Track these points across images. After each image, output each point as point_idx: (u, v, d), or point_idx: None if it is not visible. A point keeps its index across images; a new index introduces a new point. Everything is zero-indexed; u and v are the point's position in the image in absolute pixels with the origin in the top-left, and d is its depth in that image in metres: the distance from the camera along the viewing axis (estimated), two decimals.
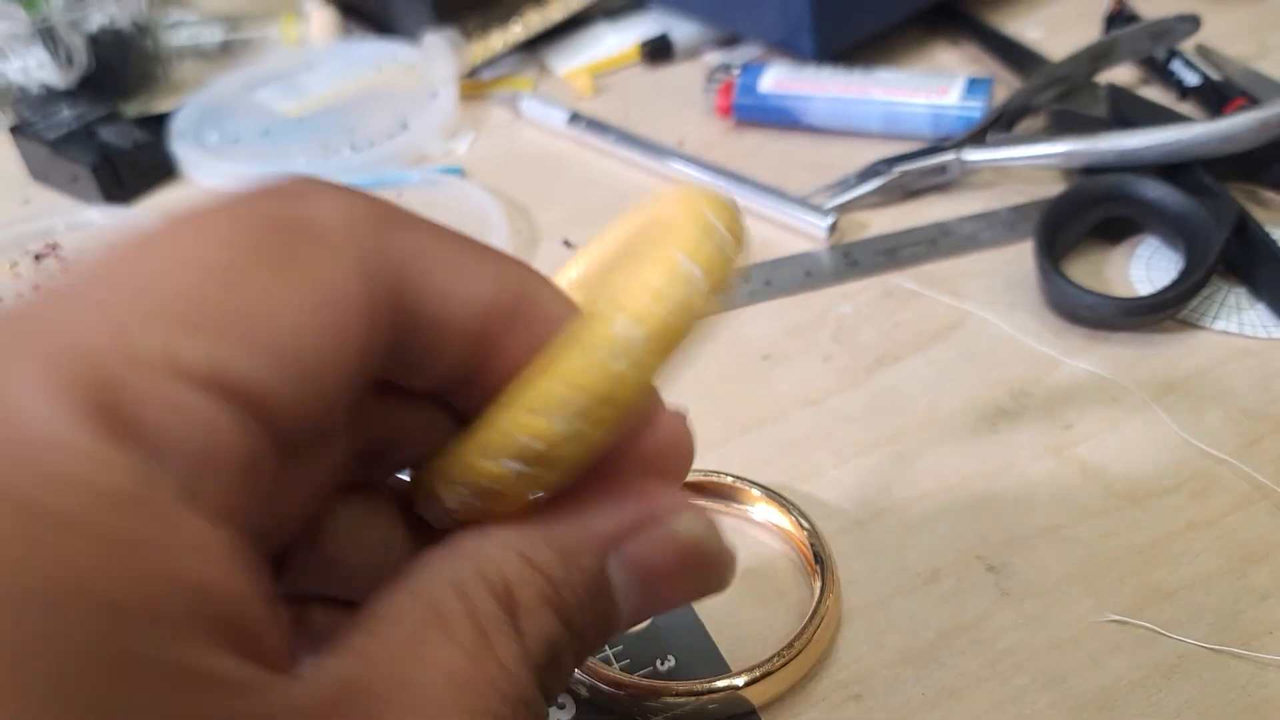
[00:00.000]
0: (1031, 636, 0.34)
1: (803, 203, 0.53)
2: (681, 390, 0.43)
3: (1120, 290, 0.47)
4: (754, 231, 0.54)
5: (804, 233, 0.52)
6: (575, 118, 0.62)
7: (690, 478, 0.39)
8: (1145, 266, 0.47)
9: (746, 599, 0.37)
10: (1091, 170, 0.49)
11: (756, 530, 0.39)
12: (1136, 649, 0.33)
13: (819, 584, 0.35)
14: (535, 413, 0.18)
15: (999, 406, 0.42)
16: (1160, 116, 0.51)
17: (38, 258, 0.58)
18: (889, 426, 0.42)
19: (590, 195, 0.59)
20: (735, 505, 0.39)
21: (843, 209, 0.53)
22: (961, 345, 0.45)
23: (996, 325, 0.46)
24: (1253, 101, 0.53)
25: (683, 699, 0.32)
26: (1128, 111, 0.52)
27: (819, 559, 0.36)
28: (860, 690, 0.34)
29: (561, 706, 0.35)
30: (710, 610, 0.36)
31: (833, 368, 0.45)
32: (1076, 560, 0.36)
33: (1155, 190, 0.46)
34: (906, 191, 0.54)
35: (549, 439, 0.18)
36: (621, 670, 0.34)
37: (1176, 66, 0.57)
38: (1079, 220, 0.48)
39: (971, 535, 0.38)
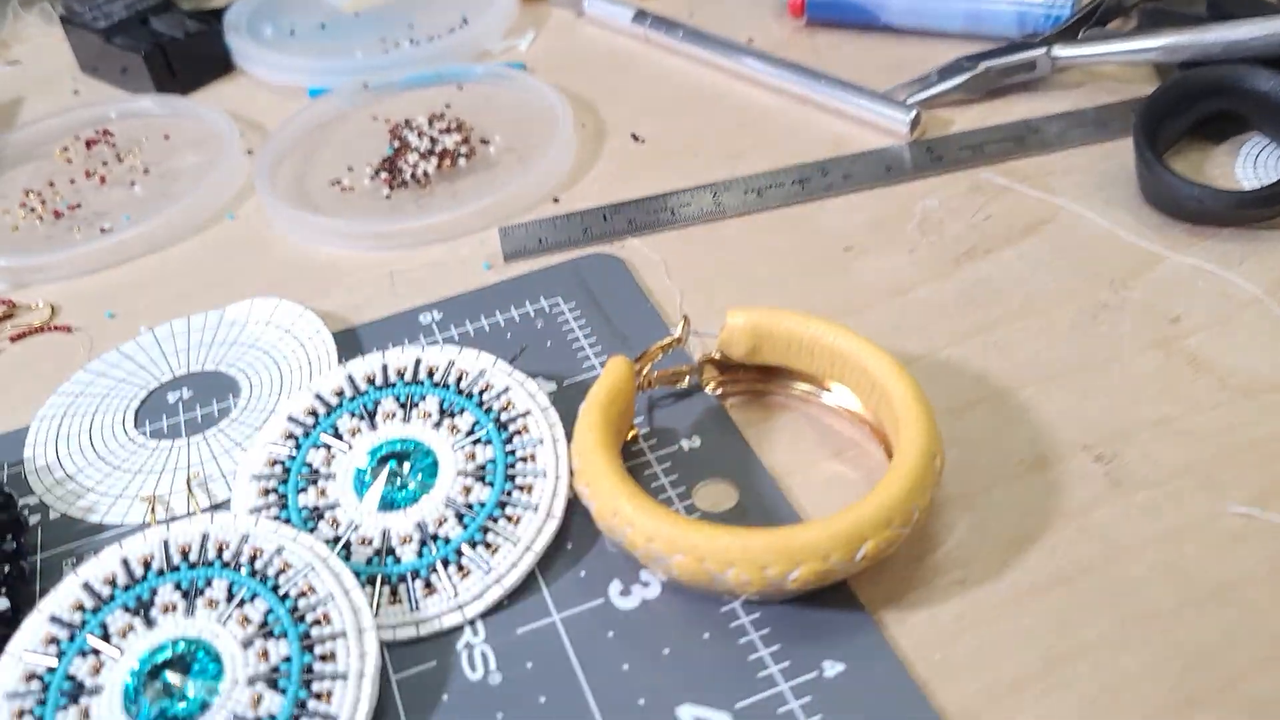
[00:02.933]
0: (1147, 527, 0.32)
1: (883, 97, 0.50)
2: (762, 282, 0.41)
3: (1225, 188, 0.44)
4: (830, 127, 0.51)
5: (884, 128, 0.50)
6: (640, 15, 0.60)
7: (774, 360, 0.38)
8: (1251, 164, 0.45)
9: (836, 485, 0.35)
10: (1192, 64, 0.47)
11: (834, 416, 0.37)
12: (1264, 542, 0.32)
13: None
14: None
15: (1099, 300, 0.40)
16: (1263, 10, 0.48)
17: (89, 144, 0.57)
18: (982, 317, 0.40)
19: (658, 90, 0.56)
20: (816, 390, 0.37)
21: (925, 105, 0.50)
22: (1055, 240, 0.43)
23: (1092, 220, 0.44)
24: None
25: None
26: (1228, 7, 0.49)
27: None
28: (964, 576, 0.32)
29: (645, 584, 0.33)
30: (798, 495, 0.35)
31: (919, 259, 0.43)
32: (1191, 453, 0.34)
33: (1266, 82, 0.44)
34: (990, 90, 0.51)
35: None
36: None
37: None
38: (1181, 116, 0.46)
39: (1076, 426, 0.36)
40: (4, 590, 0.34)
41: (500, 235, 0.47)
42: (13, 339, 0.46)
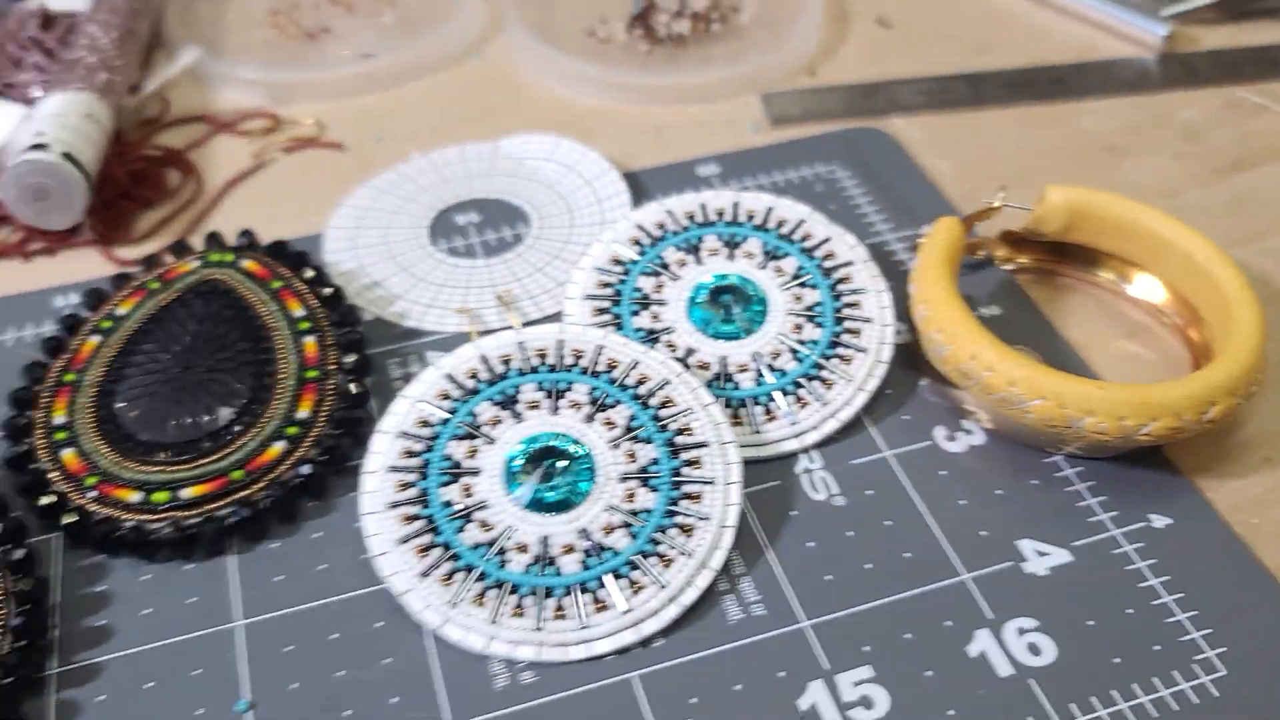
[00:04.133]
0: None
1: (1136, 7, 0.51)
2: (1030, 171, 0.42)
3: None
4: (1077, 33, 0.53)
5: (1134, 38, 0.51)
6: None
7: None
8: None
9: (1133, 363, 0.37)
10: None
11: (1125, 303, 0.39)
12: None
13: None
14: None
15: None
16: None
17: None
18: (1256, 225, 0.42)
19: None
20: (1117, 278, 0.39)
21: (1178, 19, 0.52)
22: None
23: None
24: None
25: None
26: None
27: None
28: (1271, 454, 0.34)
29: (969, 432, 0.35)
30: (1098, 369, 0.37)
31: (1184, 165, 0.45)
32: None
33: None
34: (1241, 11, 0.52)
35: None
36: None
37: None
38: None
39: None
40: (356, 377, 0.35)
41: (763, 101, 0.48)
42: (286, 150, 0.47)
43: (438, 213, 0.43)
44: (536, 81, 0.51)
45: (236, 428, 0.34)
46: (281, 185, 0.46)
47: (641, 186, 0.44)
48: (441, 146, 0.46)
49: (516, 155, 0.46)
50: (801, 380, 0.35)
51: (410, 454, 0.33)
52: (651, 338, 0.36)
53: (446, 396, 0.34)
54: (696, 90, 0.49)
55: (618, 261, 0.38)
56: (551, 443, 0.33)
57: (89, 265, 0.42)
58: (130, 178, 0.44)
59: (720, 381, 0.35)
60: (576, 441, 0.33)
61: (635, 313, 0.37)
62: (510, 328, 0.37)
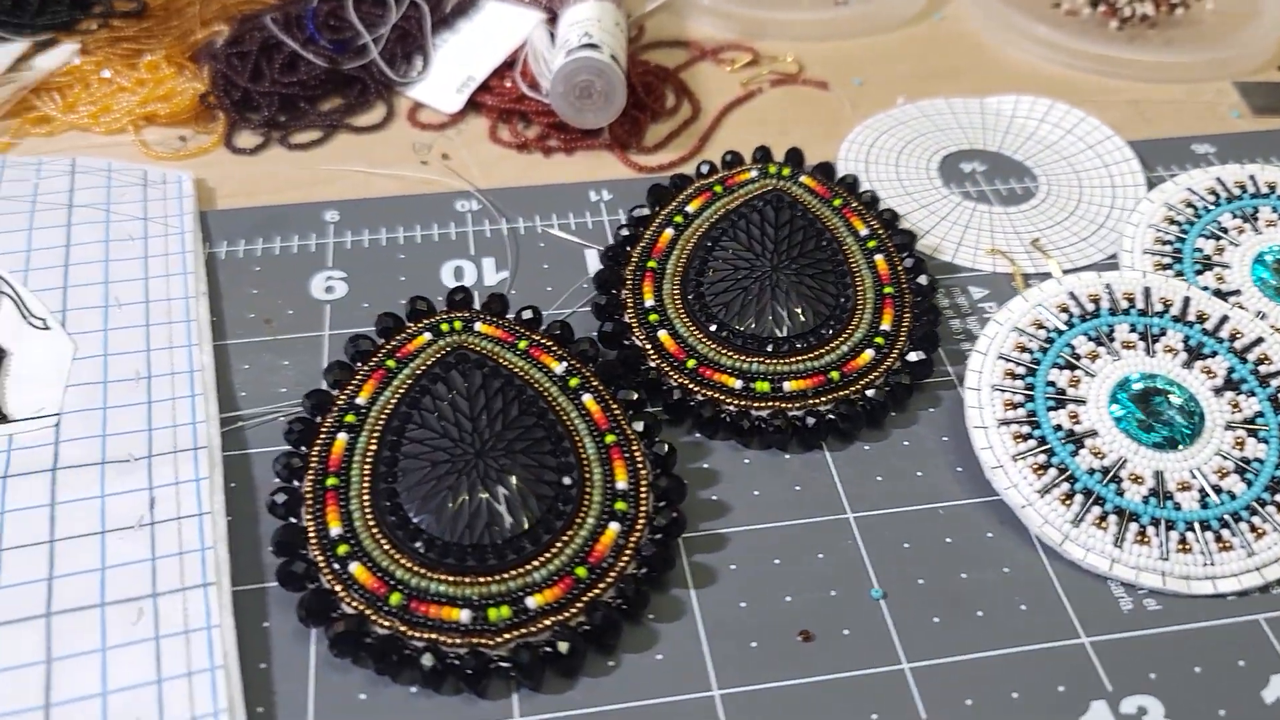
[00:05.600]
0: None
1: None
2: None
3: None
4: None
5: None
6: None
7: None
8: None
9: None
10: None
11: None
12: None
13: None
14: None
15: None
16: None
17: None
18: None
19: None
20: None
21: None
22: None
23: None
24: None
25: None
26: None
27: None
28: None
29: None
30: None
31: None
32: None
33: None
34: None
35: None
36: None
37: None
38: None
39: None
40: (926, 299, 0.36)
41: (1239, 89, 0.49)
42: (772, 84, 0.48)
43: (943, 158, 0.44)
44: (996, 45, 0.51)
45: (825, 331, 0.35)
46: (769, 114, 0.47)
47: (1140, 157, 0.45)
48: (922, 97, 0.47)
49: (1006, 113, 0.46)
50: None
51: (1012, 376, 0.34)
52: (1220, 297, 0.37)
53: (1040, 325, 0.35)
54: (1164, 70, 0.49)
55: (1172, 221, 0.39)
56: (1153, 384, 0.33)
57: (602, 166, 0.44)
58: (643, 89, 0.46)
59: None
60: (1178, 385, 0.33)
61: (1199, 272, 0.37)
62: (1049, 274, 0.38)
